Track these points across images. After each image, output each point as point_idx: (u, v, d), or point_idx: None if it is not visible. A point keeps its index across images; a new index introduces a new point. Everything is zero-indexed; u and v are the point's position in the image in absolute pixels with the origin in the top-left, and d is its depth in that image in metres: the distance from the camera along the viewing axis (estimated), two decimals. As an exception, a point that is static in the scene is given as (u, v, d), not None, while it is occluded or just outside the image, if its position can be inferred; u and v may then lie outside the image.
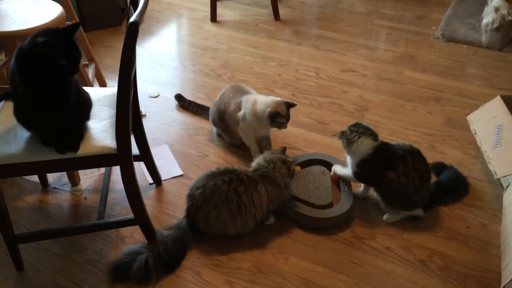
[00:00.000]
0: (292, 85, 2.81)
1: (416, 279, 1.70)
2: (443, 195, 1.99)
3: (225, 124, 2.21)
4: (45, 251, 1.76)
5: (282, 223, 1.90)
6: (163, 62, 3.02)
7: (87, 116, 1.58)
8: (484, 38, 3.26)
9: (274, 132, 2.29)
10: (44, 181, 2.04)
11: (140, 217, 1.67)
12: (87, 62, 2.49)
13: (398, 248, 1.82)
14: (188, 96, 2.62)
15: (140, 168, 2.13)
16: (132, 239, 1.81)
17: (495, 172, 1.97)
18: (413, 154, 1.80)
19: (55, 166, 1.50)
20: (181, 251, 1.74)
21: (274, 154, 1.84)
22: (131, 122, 1.65)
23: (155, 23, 3.52)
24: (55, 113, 1.43)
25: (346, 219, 1.90)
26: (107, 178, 1.98)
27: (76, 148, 1.48)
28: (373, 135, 1.82)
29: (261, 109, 2.01)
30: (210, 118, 2.32)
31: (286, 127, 2.05)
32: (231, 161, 2.22)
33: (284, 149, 1.90)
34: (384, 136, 2.35)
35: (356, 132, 1.83)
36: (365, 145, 1.80)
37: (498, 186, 2.07)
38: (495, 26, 3.12)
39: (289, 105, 2.04)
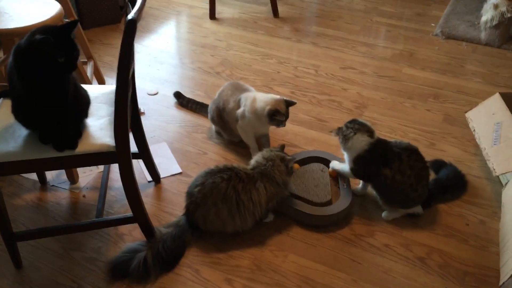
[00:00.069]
0: (291, 83, 2.80)
1: (415, 277, 1.70)
2: (442, 192, 1.99)
3: (224, 122, 2.21)
4: (43, 249, 1.76)
5: (281, 221, 1.90)
6: (161, 59, 3.02)
7: (85, 114, 1.58)
8: (483, 35, 3.26)
9: (273, 129, 2.28)
10: (42, 179, 2.03)
11: (139, 215, 1.67)
12: (86, 60, 2.48)
13: (397, 245, 1.82)
14: (187, 93, 2.61)
15: (138, 165, 2.13)
16: (131, 237, 1.81)
17: (494, 169, 1.97)
18: (410, 152, 1.80)
19: (53, 164, 1.50)
20: (180, 249, 1.74)
21: (273, 152, 1.83)
22: (130, 119, 1.65)
23: (153, 20, 3.51)
24: (53, 111, 1.42)
25: (345, 217, 1.90)
26: (105, 176, 1.98)
27: (74, 145, 1.47)
28: (369, 132, 1.82)
29: (261, 107, 2.01)
30: (209, 115, 2.32)
31: (284, 125, 2.05)
32: (230, 159, 2.22)
33: (283, 147, 1.89)
34: (383, 134, 2.35)
35: (352, 128, 1.83)
36: (361, 141, 1.80)
37: (497, 184, 2.08)
38: (494, 23, 3.12)
39: (289, 104, 2.04)
